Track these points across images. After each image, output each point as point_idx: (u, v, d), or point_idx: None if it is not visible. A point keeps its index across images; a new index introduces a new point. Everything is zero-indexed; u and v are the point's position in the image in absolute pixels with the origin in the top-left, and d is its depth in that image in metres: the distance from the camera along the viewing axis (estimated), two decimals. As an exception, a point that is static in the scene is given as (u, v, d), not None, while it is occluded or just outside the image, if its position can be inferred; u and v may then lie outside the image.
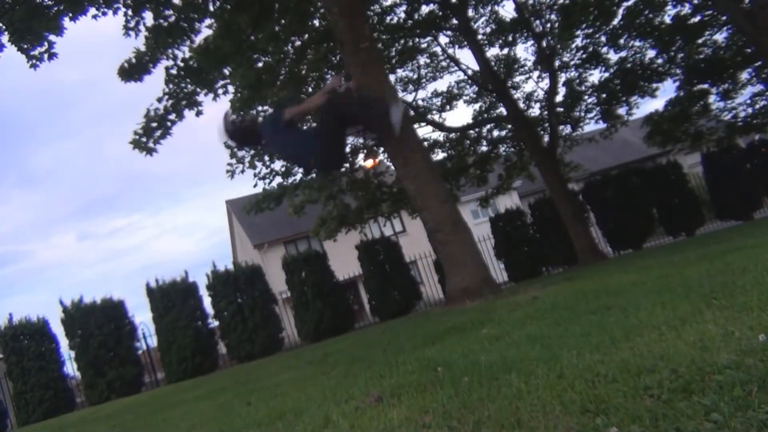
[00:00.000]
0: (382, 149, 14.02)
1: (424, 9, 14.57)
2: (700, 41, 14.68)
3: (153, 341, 12.05)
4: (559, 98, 15.59)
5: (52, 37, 7.40)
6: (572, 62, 15.54)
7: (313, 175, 5.26)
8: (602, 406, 1.38)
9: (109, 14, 8.08)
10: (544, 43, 15.16)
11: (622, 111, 16.23)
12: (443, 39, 15.79)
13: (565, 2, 13.78)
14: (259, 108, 13.04)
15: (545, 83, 15.91)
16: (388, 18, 14.31)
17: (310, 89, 13.91)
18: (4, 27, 7.17)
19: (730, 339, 1.64)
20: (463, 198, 18.45)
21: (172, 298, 11.50)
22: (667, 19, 14.46)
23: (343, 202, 15.42)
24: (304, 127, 4.86)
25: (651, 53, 15.24)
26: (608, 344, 1.96)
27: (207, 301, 12.00)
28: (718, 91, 15.93)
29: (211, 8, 9.34)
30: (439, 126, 16.04)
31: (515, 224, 15.47)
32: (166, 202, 78.66)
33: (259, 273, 12.42)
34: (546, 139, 15.51)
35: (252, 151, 13.78)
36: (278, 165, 14.23)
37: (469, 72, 16.08)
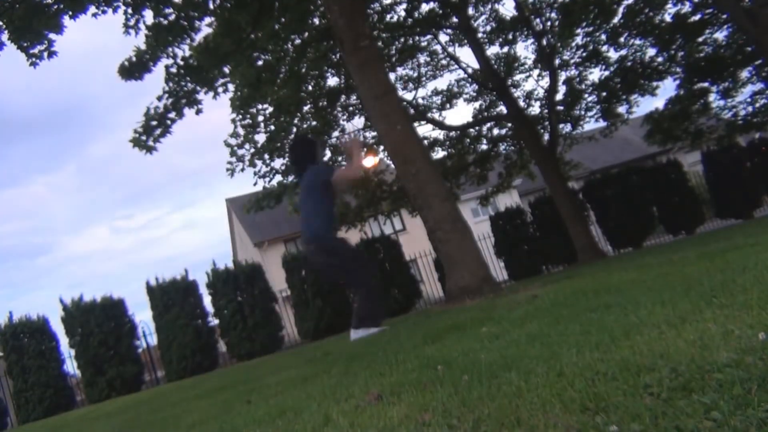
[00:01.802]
0: (382, 147, 14.02)
1: (425, 7, 14.60)
2: (700, 40, 14.68)
3: (153, 339, 12.07)
4: (559, 96, 15.61)
5: (51, 36, 7.40)
6: (572, 60, 15.55)
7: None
8: (602, 404, 1.38)
9: (108, 12, 8.07)
10: (544, 42, 15.16)
11: (622, 109, 16.25)
12: (443, 37, 15.82)
13: (565, 0, 13.77)
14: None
15: (545, 81, 15.93)
16: (388, 16, 14.32)
17: (310, 87, 13.94)
18: (3, 25, 7.17)
19: (730, 337, 1.64)
20: (463, 196, 18.47)
21: (172, 297, 11.50)
22: (668, 18, 14.48)
23: (343, 201, 15.43)
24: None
25: (651, 51, 15.27)
26: (608, 342, 1.96)
27: (207, 300, 12.01)
28: (718, 90, 15.94)
29: (211, 6, 9.34)
30: (439, 124, 16.05)
31: (515, 223, 15.47)
32: (165, 200, 78.65)
33: (259, 271, 12.42)
34: (546, 137, 15.52)
35: (252, 150, 13.80)
36: (278, 163, 14.27)
37: (469, 70, 16.09)
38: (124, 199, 79.15)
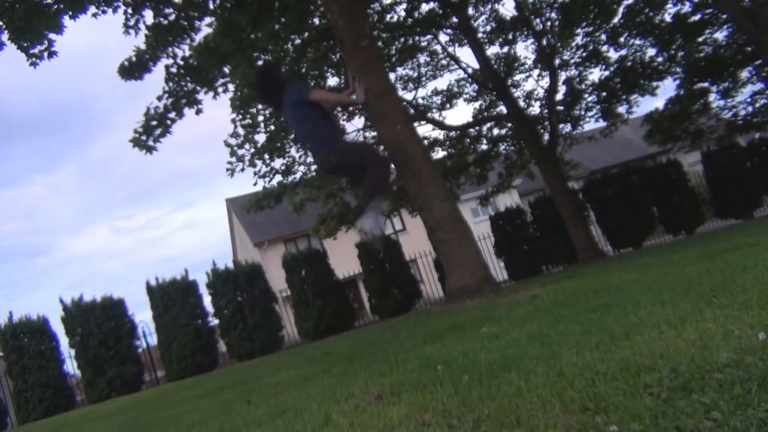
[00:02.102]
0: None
1: (425, 7, 14.58)
2: (700, 39, 14.67)
3: (153, 339, 12.07)
4: (559, 96, 15.60)
5: (51, 36, 7.40)
6: (572, 60, 15.54)
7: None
8: (602, 404, 1.38)
9: (108, 12, 8.07)
10: (544, 42, 15.15)
11: (622, 109, 16.24)
12: (443, 37, 15.81)
13: (565, 0, 13.77)
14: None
15: (545, 81, 15.93)
16: (389, 16, 14.31)
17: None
18: (3, 25, 7.17)
19: (730, 337, 1.64)
20: (463, 196, 18.47)
21: (172, 297, 11.50)
22: (668, 18, 14.47)
23: (343, 201, 15.43)
24: (316, 119, 4.82)
25: (651, 51, 15.25)
26: (608, 342, 1.97)
27: (207, 300, 12.01)
28: (718, 90, 15.93)
29: (211, 6, 9.33)
30: (439, 124, 16.04)
31: (515, 223, 15.47)
32: (165, 200, 78.66)
33: (259, 271, 12.42)
34: (546, 137, 15.51)
35: (252, 150, 13.79)
36: (278, 163, 14.26)
37: (469, 70, 16.08)
38: (123, 199, 79.11)
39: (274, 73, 5.20)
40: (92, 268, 69.90)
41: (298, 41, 12.20)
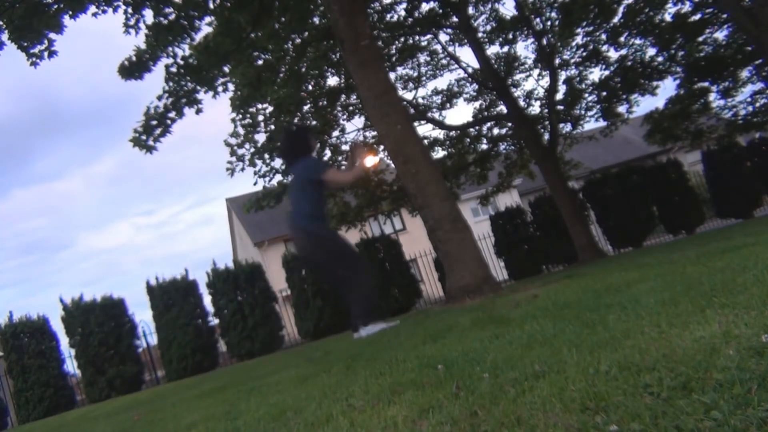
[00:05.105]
0: (382, 147, 14.02)
1: (425, 7, 14.61)
2: (700, 39, 14.69)
3: (153, 339, 12.07)
4: (559, 96, 15.61)
5: (52, 35, 7.40)
6: (572, 60, 15.55)
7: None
8: (602, 403, 1.38)
9: (109, 12, 8.08)
10: (544, 41, 15.16)
11: (622, 109, 16.26)
12: (443, 37, 15.83)
13: (565, 0, 13.78)
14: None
15: (545, 81, 15.94)
16: (389, 16, 14.34)
17: (310, 87, 13.94)
18: (3, 25, 7.17)
19: (730, 337, 1.64)
20: (464, 196, 18.48)
21: (172, 296, 11.50)
22: (668, 17, 14.49)
23: (343, 200, 15.44)
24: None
25: (651, 51, 15.27)
26: (608, 342, 1.96)
27: (207, 299, 12.01)
28: (718, 89, 15.94)
29: (211, 6, 9.33)
30: (439, 124, 16.06)
31: (515, 222, 15.47)
32: (166, 199, 78.70)
33: (259, 271, 12.42)
34: (546, 137, 15.53)
35: (252, 149, 13.80)
36: (278, 163, 14.26)
37: (470, 70, 16.10)
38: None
39: (302, 137, 5.19)
40: (95, 266, 70.01)
41: (298, 41, 12.21)
